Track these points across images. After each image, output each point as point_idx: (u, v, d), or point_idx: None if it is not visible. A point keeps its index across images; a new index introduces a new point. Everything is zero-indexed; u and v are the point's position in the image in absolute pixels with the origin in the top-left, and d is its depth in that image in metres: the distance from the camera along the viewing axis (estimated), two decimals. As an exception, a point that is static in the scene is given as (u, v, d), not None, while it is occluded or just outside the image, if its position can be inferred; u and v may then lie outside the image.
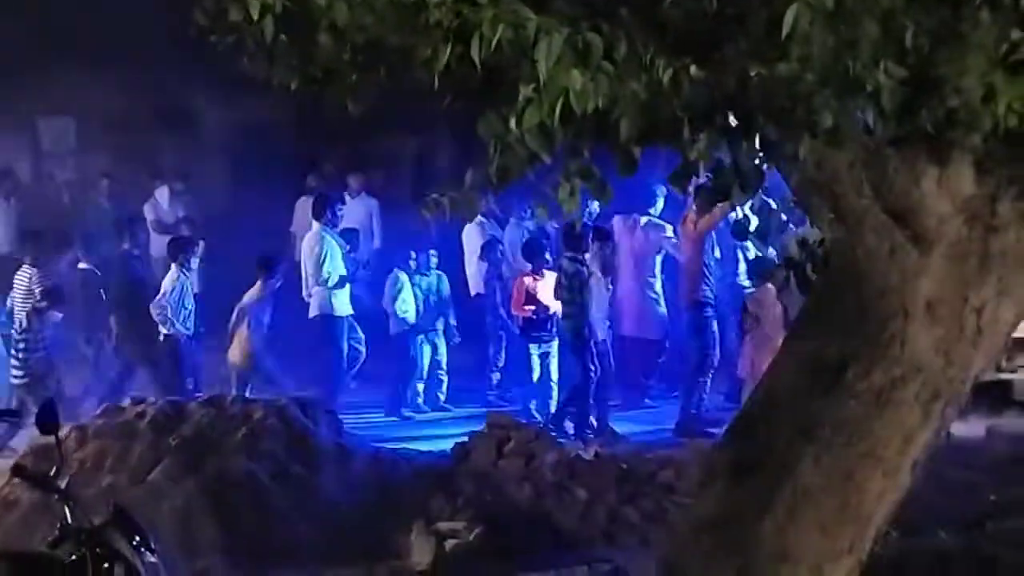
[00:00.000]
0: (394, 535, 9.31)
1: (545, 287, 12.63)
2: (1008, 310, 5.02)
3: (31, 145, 17.94)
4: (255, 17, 4.22)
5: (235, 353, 12.58)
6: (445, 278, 13.58)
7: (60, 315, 12.22)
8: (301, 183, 16.44)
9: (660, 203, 13.07)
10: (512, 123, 4.08)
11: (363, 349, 13.36)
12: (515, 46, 3.85)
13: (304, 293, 13.01)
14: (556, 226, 14.01)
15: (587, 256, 12.18)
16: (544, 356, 12.69)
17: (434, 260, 13.41)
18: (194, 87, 16.44)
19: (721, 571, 5.04)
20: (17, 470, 6.20)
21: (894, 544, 6.89)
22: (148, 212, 15.65)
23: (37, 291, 12.36)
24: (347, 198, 15.51)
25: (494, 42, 3.82)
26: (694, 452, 11.54)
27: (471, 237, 13.98)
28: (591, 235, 12.30)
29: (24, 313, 12.25)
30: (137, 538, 5.84)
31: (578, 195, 4.34)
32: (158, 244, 15.37)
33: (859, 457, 4.99)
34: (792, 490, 5.00)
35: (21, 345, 11.99)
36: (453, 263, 14.02)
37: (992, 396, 11.55)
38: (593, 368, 12.09)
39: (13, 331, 12.21)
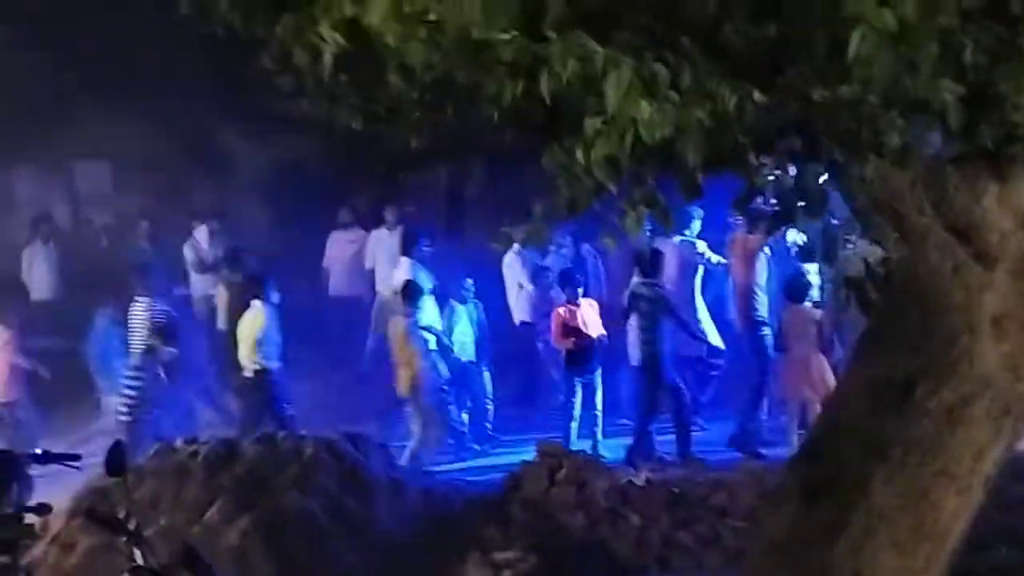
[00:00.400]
0: (449, 567, 9.34)
1: (585, 315, 12.60)
2: (1074, 324, 4.99)
3: (68, 189, 18.06)
4: (323, 58, 4.25)
5: None
6: (481, 307, 13.61)
7: (173, 351, 12.18)
8: (335, 218, 16.51)
9: (696, 225, 13.10)
10: (579, 154, 4.10)
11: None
12: (583, 79, 3.89)
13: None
14: (594, 253, 14.07)
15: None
16: (587, 387, 12.58)
17: (471, 289, 13.44)
18: (228, 127, 16.59)
19: (796, 595, 5.03)
20: (89, 513, 6.24)
21: (956, 560, 6.86)
22: (188, 252, 15.74)
23: (150, 327, 12.43)
24: (384, 232, 15.61)
25: (565, 76, 3.85)
26: (746, 475, 11.55)
27: (513, 266, 13.98)
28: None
29: (138, 349, 12.31)
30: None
31: (644, 221, 4.37)
32: (199, 285, 15.49)
33: (932, 475, 4.96)
34: (866, 511, 4.98)
35: (131, 382, 11.95)
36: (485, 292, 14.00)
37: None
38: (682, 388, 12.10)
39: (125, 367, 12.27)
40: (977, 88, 4.27)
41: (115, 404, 12.11)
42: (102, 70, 15.48)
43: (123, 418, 11.74)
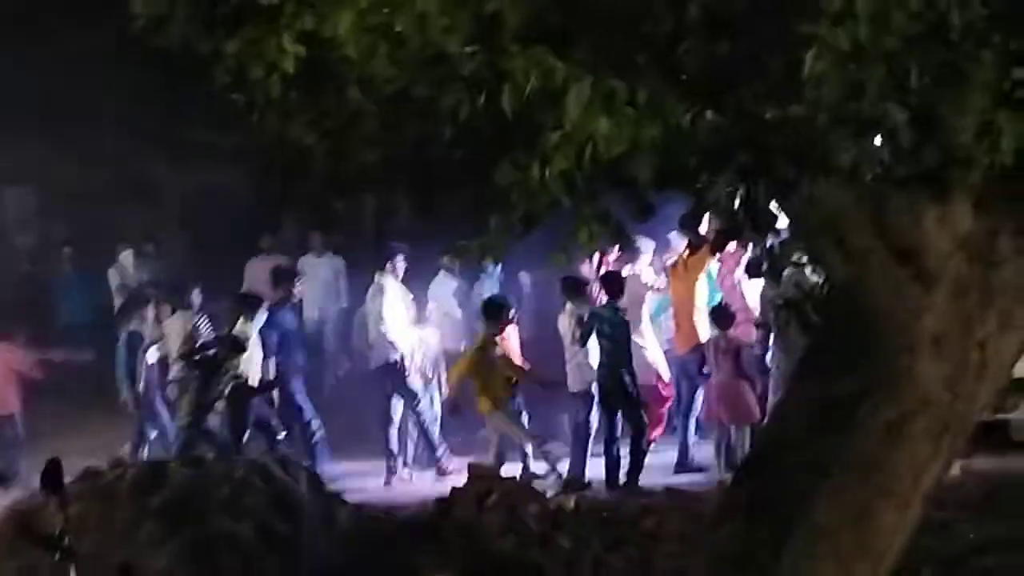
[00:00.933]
0: (382, 592, 9.27)
1: (509, 343, 12.62)
2: (1011, 343, 5.11)
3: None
4: (281, 69, 4.24)
5: None
6: None
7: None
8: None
9: (645, 258, 13.22)
10: (535, 169, 4.13)
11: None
12: (544, 93, 3.92)
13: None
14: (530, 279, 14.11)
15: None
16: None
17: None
18: (153, 154, 16.50)
19: (740, 611, 5.07)
20: (24, 530, 6.14)
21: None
22: (113, 277, 15.61)
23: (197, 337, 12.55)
24: (312, 257, 15.56)
25: (527, 90, 3.89)
26: (675, 499, 11.63)
27: (438, 293, 13.96)
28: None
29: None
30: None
31: (597, 239, 4.40)
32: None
33: (873, 492, 5.04)
34: (808, 527, 5.04)
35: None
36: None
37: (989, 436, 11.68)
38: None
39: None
40: (920, 111, 4.37)
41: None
42: (25, 95, 15.30)
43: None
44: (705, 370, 12.39)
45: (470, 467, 10.92)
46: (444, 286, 13.91)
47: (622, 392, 11.92)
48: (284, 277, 12.89)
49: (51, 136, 15.35)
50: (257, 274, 15.85)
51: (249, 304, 12.67)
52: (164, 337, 13.01)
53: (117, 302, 15.57)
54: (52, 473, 5.76)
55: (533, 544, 9.81)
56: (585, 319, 11.96)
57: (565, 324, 12.22)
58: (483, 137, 4.54)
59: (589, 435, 12.23)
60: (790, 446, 5.21)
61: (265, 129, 4.83)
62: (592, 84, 3.88)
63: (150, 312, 13.23)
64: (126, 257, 15.78)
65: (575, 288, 12.14)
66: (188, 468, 9.89)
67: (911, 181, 4.74)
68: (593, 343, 12.01)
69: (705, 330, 12.44)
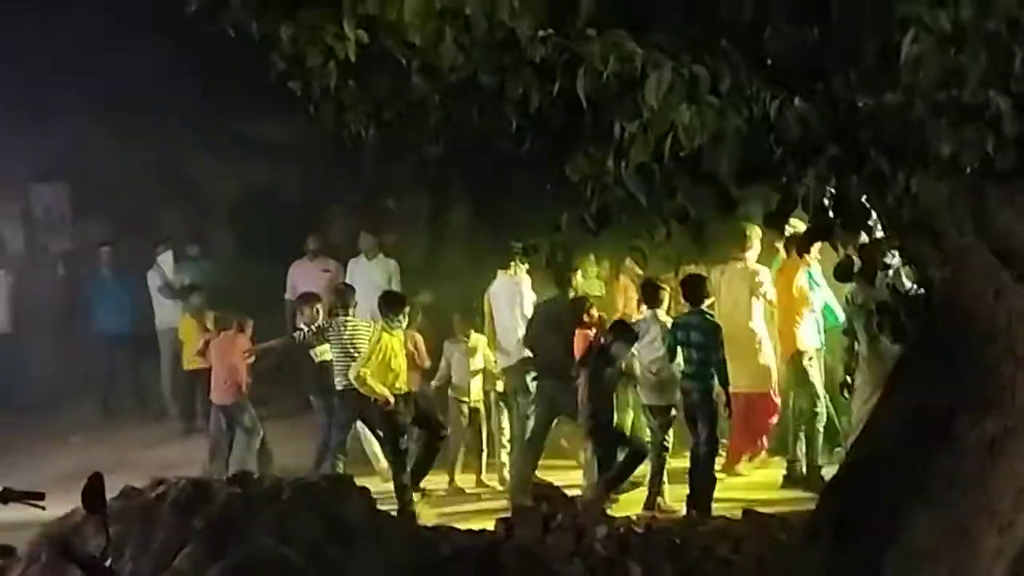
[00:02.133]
0: (438, 620, 9.29)
1: None
2: (1120, 350, 5.07)
3: (23, 213, 18.03)
4: (340, 56, 4.29)
5: None
6: None
7: None
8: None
9: None
10: (610, 163, 4.16)
11: None
12: (621, 80, 3.94)
13: None
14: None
15: None
16: None
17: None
18: (195, 149, 16.66)
19: (830, 638, 5.06)
20: (64, 550, 6.21)
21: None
22: (152, 279, 15.82)
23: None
24: (363, 260, 15.64)
25: (605, 75, 3.91)
26: (751, 524, 11.59)
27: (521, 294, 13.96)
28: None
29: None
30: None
31: (674, 236, 4.42)
32: (163, 312, 15.59)
33: (973, 512, 5.02)
34: (902, 549, 5.02)
35: None
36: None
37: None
38: None
39: None
40: (1020, 99, 4.34)
41: None
42: (62, 84, 15.51)
43: None
44: None
45: (535, 487, 10.95)
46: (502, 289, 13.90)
47: (707, 406, 11.92)
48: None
49: (86, 129, 15.54)
50: (302, 277, 16.00)
51: (391, 303, 12.82)
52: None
53: (157, 306, 15.79)
54: (94, 490, 5.81)
55: (601, 570, 9.81)
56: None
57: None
58: (553, 129, 4.58)
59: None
60: (883, 462, 5.20)
61: (320, 120, 4.87)
62: (673, 70, 3.89)
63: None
64: (165, 259, 15.98)
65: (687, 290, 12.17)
66: (233, 486, 9.98)
67: (1014, 174, 4.72)
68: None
69: (809, 337, 12.51)
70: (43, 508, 6.75)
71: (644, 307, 12.44)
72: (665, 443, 12.26)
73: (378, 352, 12.39)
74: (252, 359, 13.35)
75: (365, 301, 14.95)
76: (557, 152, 4.59)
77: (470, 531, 10.79)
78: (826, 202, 4.55)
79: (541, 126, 4.52)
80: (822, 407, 12.74)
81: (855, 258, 4.92)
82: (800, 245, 4.79)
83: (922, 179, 4.43)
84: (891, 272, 5.60)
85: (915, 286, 5.54)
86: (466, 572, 9.69)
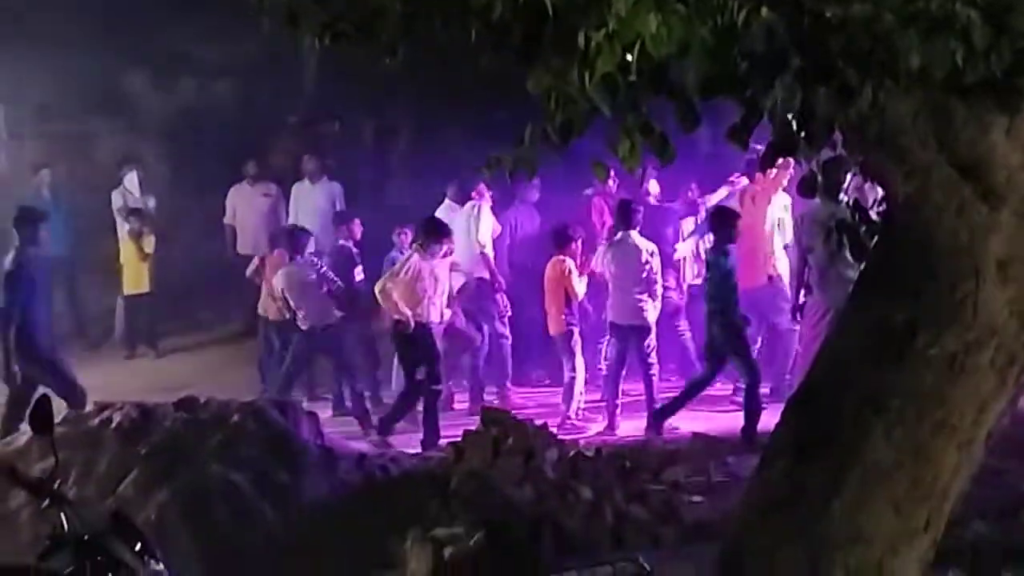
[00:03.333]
0: (388, 544, 9.30)
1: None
2: (1082, 268, 5.09)
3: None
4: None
5: None
6: None
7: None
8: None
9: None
10: (574, 74, 4.11)
11: None
12: (587, -11, 3.89)
13: None
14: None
15: None
16: None
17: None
18: (131, 70, 16.40)
19: (790, 555, 5.09)
20: (10, 473, 6.14)
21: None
22: (117, 199, 15.67)
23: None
24: (306, 184, 15.51)
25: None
26: (702, 445, 11.70)
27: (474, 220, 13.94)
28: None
29: None
30: (139, 545, 5.79)
31: (639, 152, 4.39)
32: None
33: (932, 428, 5.05)
34: (862, 466, 5.06)
35: None
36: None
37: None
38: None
39: None
40: (991, 10, 4.32)
41: None
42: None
43: None
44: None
45: (483, 410, 10.96)
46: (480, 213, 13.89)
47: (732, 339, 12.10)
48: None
49: (19, 51, 15.25)
50: (241, 201, 15.86)
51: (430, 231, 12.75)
52: None
53: (121, 225, 15.62)
54: (42, 412, 5.74)
55: (551, 494, 9.86)
56: None
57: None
58: (515, 41, 4.51)
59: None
60: (843, 380, 5.21)
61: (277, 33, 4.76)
62: (640, -23, 3.84)
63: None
64: (131, 179, 15.85)
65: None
66: (179, 412, 9.93)
67: (979, 90, 4.72)
68: None
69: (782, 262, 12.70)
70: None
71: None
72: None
73: (407, 271, 12.27)
74: None
75: (309, 224, 14.86)
76: (518, 65, 4.53)
77: (420, 455, 10.82)
78: (790, 116, 4.51)
79: (503, 38, 4.45)
80: None
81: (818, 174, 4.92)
82: (763, 160, 4.75)
83: (889, 93, 4.41)
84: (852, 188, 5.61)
85: (877, 203, 5.54)
86: (416, 496, 9.71)
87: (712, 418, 13.06)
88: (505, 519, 9.35)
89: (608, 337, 13.14)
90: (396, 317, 12.44)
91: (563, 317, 12.91)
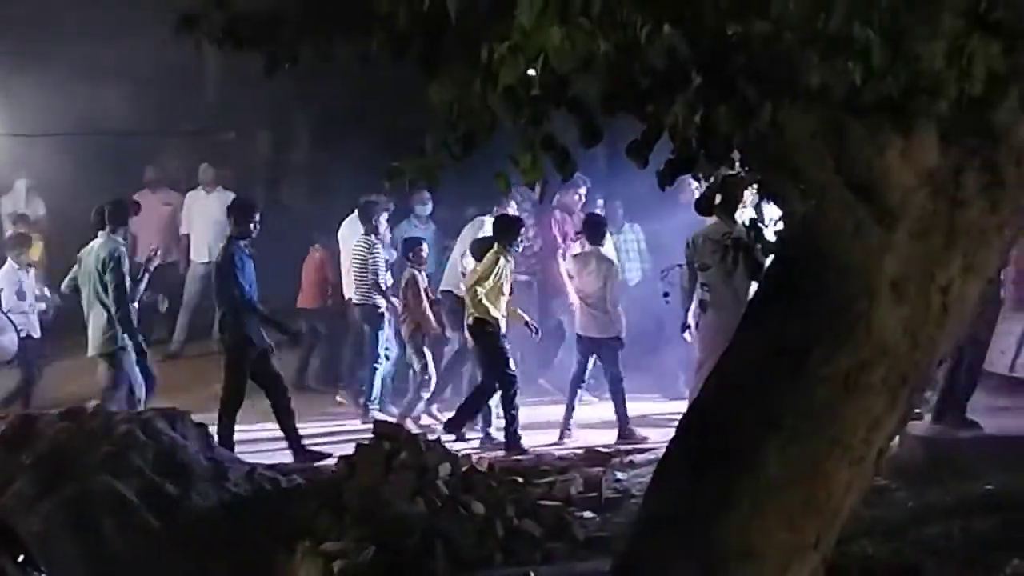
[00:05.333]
0: (277, 557, 9.23)
1: None
2: (973, 287, 5.17)
3: None
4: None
5: None
6: None
7: None
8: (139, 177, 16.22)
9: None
10: (477, 85, 4.10)
11: None
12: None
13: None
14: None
15: None
16: None
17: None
18: (16, 72, 16.11)
19: (683, 571, 5.10)
20: None
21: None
22: (7, 206, 15.48)
23: None
24: (201, 192, 15.37)
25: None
26: (593, 461, 11.76)
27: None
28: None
29: None
30: (22, 556, 5.71)
31: (542, 166, 4.39)
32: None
33: (826, 445, 5.09)
34: (756, 482, 5.07)
35: None
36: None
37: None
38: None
39: None
40: (889, 32, 4.39)
41: None
42: None
43: None
44: None
45: (376, 423, 10.91)
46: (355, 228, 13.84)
47: None
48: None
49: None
50: (150, 210, 15.66)
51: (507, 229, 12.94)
52: None
53: (8, 231, 15.38)
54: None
55: (444, 509, 9.83)
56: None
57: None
58: (416, 51, 4.50)
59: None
60: (737, 397, 5.24)
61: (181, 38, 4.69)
62: (545, -10, 3.84)
63: None
64: (20, 185, 15.62)
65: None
66: (64, 421, 9.77)
67: (875, 110, 4.78)
68: None
69: None
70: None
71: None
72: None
73: (496, 275, 12.29)
74: None
75: (201, 236, 14.73)
76: (420, 76, 4.51)
77: (313, 467, 10.73)
78: (690, 133, 4.54)
79: (405, 47, 4.43)
80: None
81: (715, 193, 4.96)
82: (662, 178, 4.77)
83: (788, 112, 4.45)
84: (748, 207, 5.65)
85: (772, 221, 5.59)
86: (307, 509, 9.64)
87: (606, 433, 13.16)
88: (396, 534, 9.32)
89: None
90: (481, 317, 12.55)
91: None
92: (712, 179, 4.93)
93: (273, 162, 18.07)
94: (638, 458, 11.81)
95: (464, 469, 10.36)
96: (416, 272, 13.67)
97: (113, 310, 11.91)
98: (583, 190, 14.38)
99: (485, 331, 12.61)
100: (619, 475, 11.37)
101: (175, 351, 15.64)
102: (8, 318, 13.14)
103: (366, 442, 10.25)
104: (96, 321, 12.04)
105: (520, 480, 10.84)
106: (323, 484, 10.01)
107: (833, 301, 5.10)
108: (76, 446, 9.54)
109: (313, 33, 4.51)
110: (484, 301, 12.43)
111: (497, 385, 12.70)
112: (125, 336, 11.99)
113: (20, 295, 13.46)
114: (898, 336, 5.09)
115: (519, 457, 12.35)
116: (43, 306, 13.76)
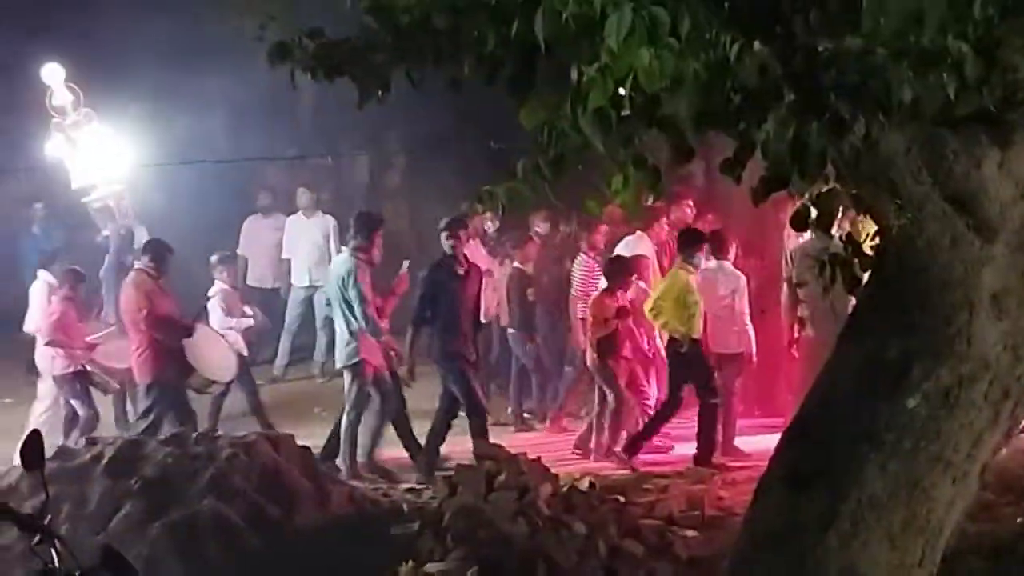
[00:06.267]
0: (380, 578, 9.29)
1: None
2: (1075, 301, 5.10)
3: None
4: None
5: None
6: None
7: None
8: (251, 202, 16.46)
9: None
10: (566, 108, 4.12)
11: None
12: (580, 21, 3.90)
13: None
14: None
15: None
16: None
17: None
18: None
19: (784, 589, 5.08)
20: (1, 508, 6.10)
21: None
22: None
23: None
24: (301, 218, 15.54)
25: (564, 15, 3.87)
26: (695, 480, 11.71)
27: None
28: None
29: None
30: (132, 580, 5.77)
31: (633, 185, 4.39)
32: None
33: (927, 462, 5.03)
34: (857, 500, 5.04)
35: None
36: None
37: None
38: None
39: None
40: (983, 45, 4.35)
41: None
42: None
43: None
44: None
45: (477, 445, 10.94)
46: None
47: None
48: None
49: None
50: (254, 234, 15.88)
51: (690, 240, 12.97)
52: None
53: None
54: (33, 447, 5.72)
55: (545, 529, 9.83)
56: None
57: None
58: (506, 75, 4.53)
59: None
60: (838, 411, 5.20)
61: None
62: (632, 11, 3.85)
63: None
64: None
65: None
66: (169, 446, 9.92)
67: (971, 123, 4.74)
68: None
69: None
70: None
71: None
72: None
73: (672, 288, 12.38)
74: None
75: (302, 260, 14.90)
76: (510, 99, 4.54)
77: (412, 490, 10.79)
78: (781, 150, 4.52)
79: (495, 71, 4.46)
80: None
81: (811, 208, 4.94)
82: (756, 195, 4.75)
83: (882, 126, 4.42)
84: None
85: (869, 236, 5.54)
86: (409, 530, 9.69)
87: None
88: (498, 554, 9.34)
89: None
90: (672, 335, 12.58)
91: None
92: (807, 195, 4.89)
93: (370, 186, 18.22)
94: (740, 475, 11.72)
95: (565, 488, 10.35)
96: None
97: (354, 325, 12.01)
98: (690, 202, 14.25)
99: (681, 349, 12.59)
100: (721, 492, 11.31)
101: (278, 375, 15.79)
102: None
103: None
104: (340, 336, 12.22)
105: (621, 499, 10.80)
106: (424, 505, 10.06)
107: (932, 316, 5.06)
108: (182, 470, 9.68)
109: (404, 60, 4.58)
110: (663, 315, 12.44)
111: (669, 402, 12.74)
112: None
113: (233, 313, 13.70)
114: (999, 350, 5.04)
115: (622, 473, 12.32)
116: (250, 322, 13.93)
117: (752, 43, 4.13)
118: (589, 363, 12.92)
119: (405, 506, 10.19)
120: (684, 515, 10.78)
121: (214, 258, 13.87)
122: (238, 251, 15.71)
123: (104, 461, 9.74)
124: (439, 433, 12.20)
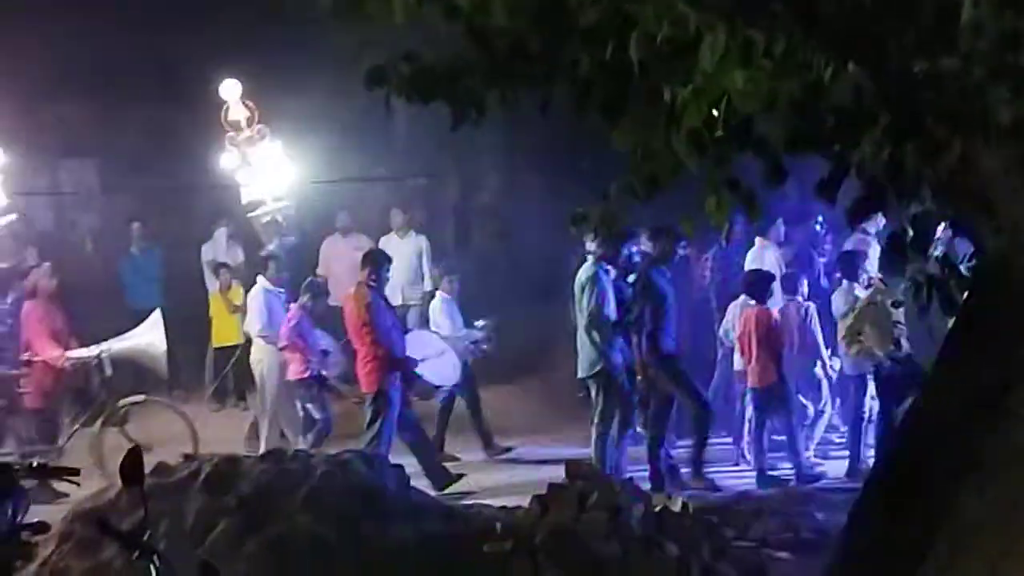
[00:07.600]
0: (474, 596, 9.29)
1: None
2: None
3: (51, 188, 17.98)
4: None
5: None
6: None
7: None
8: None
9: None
10: (660, 129, 4.13)
11: None
12: (674, 44, 3.91)
13: None
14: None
15: None
16: None
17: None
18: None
19: (881, 615, 5.02)
20: (101, 524, 6.19)
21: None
22: (207, 252, 15.93)
23: None
24: (394, 237, 15.65)
25: (659, 38, 3.87)
26: (787, 502, 11.60)
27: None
28: None
29: None
30: (228, 598, 5.83)
31: (727, 207, 4.38)
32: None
33: (1026, 487, 4.96)
34: (955, 524, 4.97)
35: None
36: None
37: None
38: None
39: None
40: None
41: None
42: (90, 60, 15.52)
43: None
44: None
45: (568, 464, 10.91)
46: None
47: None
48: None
49: (112, 104, 15.51)
50: (334, 254, 16.01)
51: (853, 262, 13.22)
52: None
53: (209, 279, 15.82)
54: (133, 463, 5.78)
55: (637, 549, 9.79)
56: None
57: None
58: (600, 97, 4.54)
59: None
60: (935, 436, 5.14)
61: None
62: (726, 33, 3.85)
63: None
64: (220, 233, 16.15)
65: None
66: (265, 463, 9.99)
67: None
68: None
69: None
70: (78, 484, 6.78)
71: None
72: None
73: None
74: None
75: (395, 279, 14.98)
76: (604, 121, 4.55)
77: (504, 508, 10.79)
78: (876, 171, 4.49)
79: (588, 94, 4.47)
80: None
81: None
82: (852, 216, 4.72)
83: (979, 147, 4.37)
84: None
85: (966, 258, 5.48)
86: (502, 550, 9.68)
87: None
88: (590, 575, 9.31)
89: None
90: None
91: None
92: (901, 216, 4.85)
93: (462, 207, 18.31)
94: (837, 498, 11.60)
95: (658, 509, 10.30)
96: None
97: (595, 333, 12.23)
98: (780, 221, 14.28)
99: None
100: (818, 515, 11.20)
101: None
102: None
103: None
104: (583, 344, 12.40)
105: (715, 520, 10.73)
106: (517, 524, 10.03)
107: (1028, 340, 4.98)
108: (278, 487, 9.73)
109: (498, 84, 4.60)
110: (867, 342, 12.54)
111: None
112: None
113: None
114: (1098, 374, 4.95)
115: (716, 495, 12.26)
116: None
117: (846, 64, 4.11)
118: None
119: (498, 524, 10.14)
120: (778, 538, 10.68)
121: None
122: (318, 271, 15.85)
123: (201, 477, 9.81)
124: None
